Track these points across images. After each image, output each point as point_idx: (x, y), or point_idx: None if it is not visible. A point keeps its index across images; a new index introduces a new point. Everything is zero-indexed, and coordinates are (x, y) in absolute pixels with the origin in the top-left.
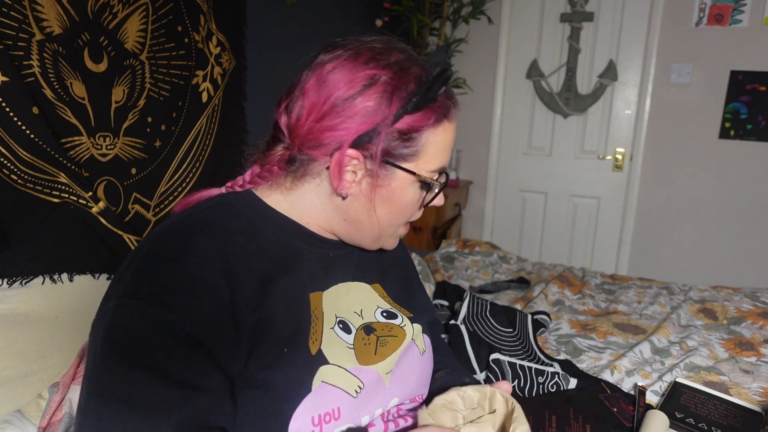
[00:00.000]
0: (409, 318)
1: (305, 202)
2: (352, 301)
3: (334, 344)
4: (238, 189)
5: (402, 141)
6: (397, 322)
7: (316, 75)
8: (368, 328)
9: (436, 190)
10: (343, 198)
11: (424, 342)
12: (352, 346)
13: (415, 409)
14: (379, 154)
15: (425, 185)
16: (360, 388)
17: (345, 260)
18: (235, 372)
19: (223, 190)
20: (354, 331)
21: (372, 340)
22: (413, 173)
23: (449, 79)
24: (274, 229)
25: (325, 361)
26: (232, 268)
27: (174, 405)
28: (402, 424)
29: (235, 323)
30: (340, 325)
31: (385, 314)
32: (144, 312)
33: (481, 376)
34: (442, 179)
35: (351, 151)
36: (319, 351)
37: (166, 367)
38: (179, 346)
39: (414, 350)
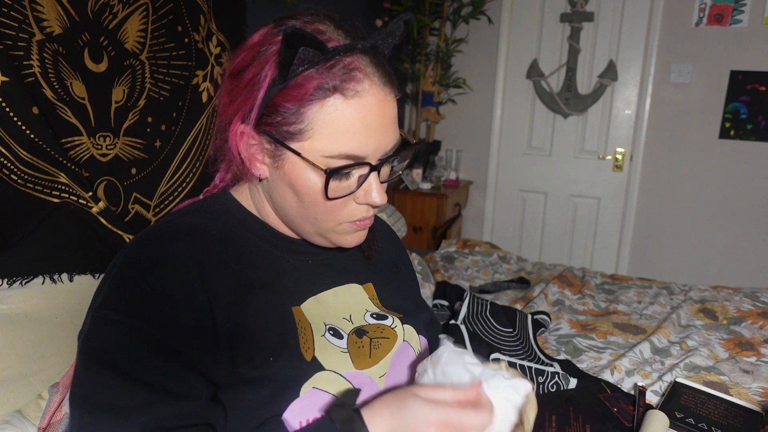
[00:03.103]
0: (400, 319)
1: (258, 194)
2: (340, 307)
3: (328, 350)
4: (216, 192)
5: (283, 116)
6: (387, 323)
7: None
8: (360, 331)
9: (348, 182)
10: (260, 180)
11: (420, 343)
12: (346, 350)
13: None
14: (250, 128)
15: (327, 172)
16: None
17: (326, 266)
18: (222, 375)
19: (201, 197)
20: (345, 336)
21: (365, 343)
22: (297, 153)
23: (304, 41)
24: (250, 235)
25: (321, 368)
26: (208, 272)
27: (155, 408)
28: None
29: (214, 328)
30: (331, 332)
31: (374, 316)
32: (121, 324)
33: None
34: (360, 170)
35: (241, 126)
36: (314, 358)
37: (146, 374)
38: (158, 356)
39: (409, 352)
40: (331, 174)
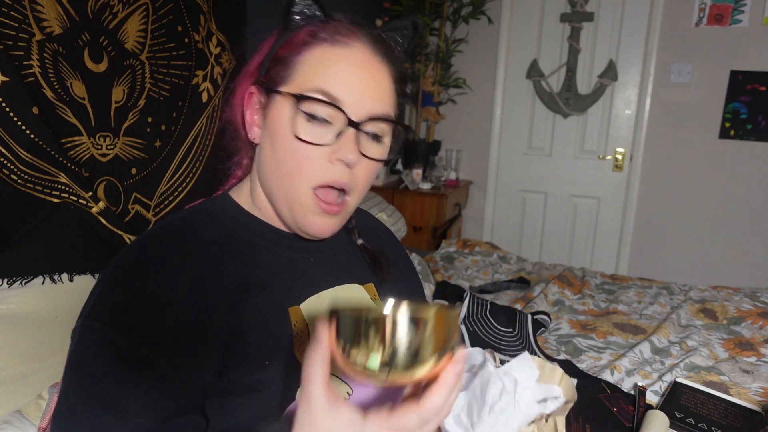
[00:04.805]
0: None
1: (253, 181)
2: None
3: None
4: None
5: (281, 65)
6: None
7: None
8: None
9: (322, 130)
10: (255, 145)
11: None
12: None
13: None
14: (249, 75)
15: (297, 97)
16: (349, 394)
17: (328, 264)
18: (208, 383)
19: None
20: None
21: None
22: (280, 92)
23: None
24: (248, 234)
25: None
26: (201, 276)
27: (111, 428)
28: None
29: (204, 334)
30: None
31: None
32: (100, 333)
33: None
34: (338, 123)
35: (250, 88)
36: None
37: (109, 392)
38: (130, 371)
39: None
40: (299, 100)
